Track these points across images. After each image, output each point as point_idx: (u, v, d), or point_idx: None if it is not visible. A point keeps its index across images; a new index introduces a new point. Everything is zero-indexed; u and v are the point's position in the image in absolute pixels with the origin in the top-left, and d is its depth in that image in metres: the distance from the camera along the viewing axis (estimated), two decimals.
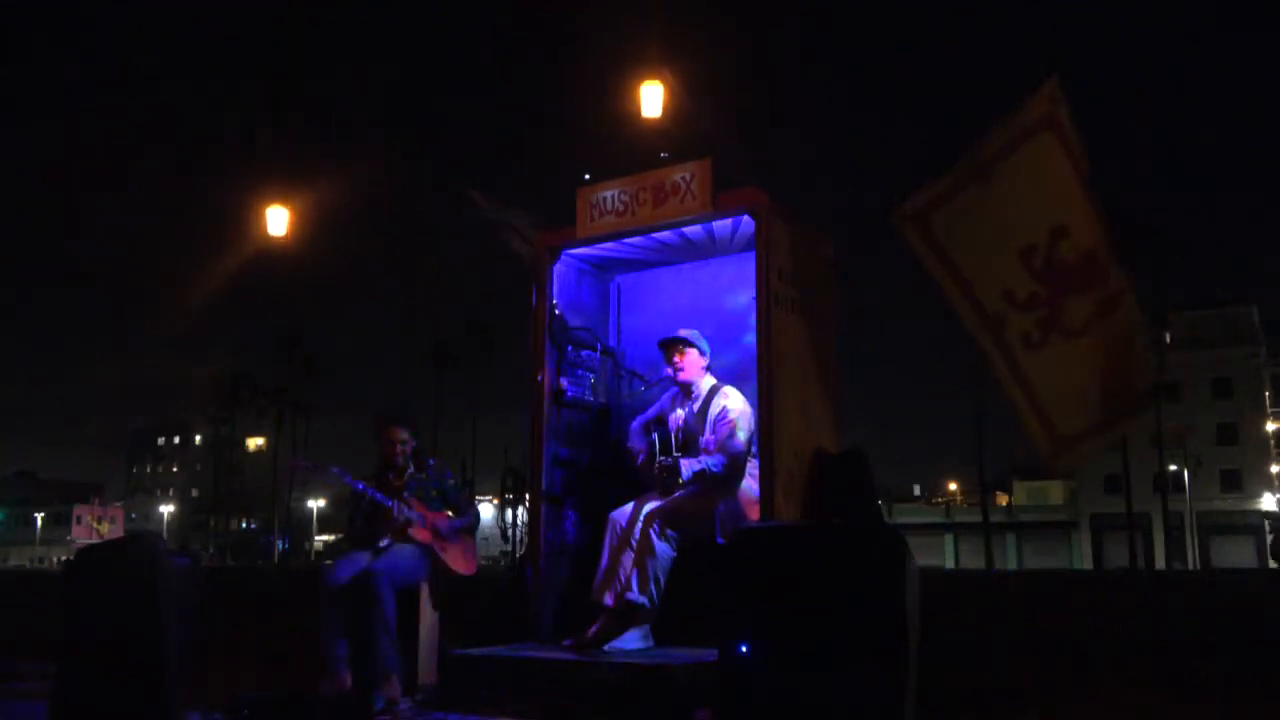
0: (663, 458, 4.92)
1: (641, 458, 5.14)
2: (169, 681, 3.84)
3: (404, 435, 5.21)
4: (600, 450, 5.63)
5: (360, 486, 5.05)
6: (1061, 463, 4.79)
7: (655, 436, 5.07)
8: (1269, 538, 49.94)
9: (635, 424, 5.36)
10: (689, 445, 5.03)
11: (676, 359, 5.11)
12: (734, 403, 4.97)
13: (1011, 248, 4.68)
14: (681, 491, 4.87)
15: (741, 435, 4.87)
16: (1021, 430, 4.70)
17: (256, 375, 72.09)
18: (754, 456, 4.85)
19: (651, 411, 5.35)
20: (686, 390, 5.16)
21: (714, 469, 4.82)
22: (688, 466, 4.82)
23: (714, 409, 5.00)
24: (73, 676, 4.02)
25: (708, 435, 4.99)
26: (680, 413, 5.16)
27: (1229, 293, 58.26)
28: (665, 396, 5.33)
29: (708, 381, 5.13)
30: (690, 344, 5.11)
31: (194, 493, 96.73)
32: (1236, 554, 49.18)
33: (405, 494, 5.14)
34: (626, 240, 5.46)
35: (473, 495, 6.81)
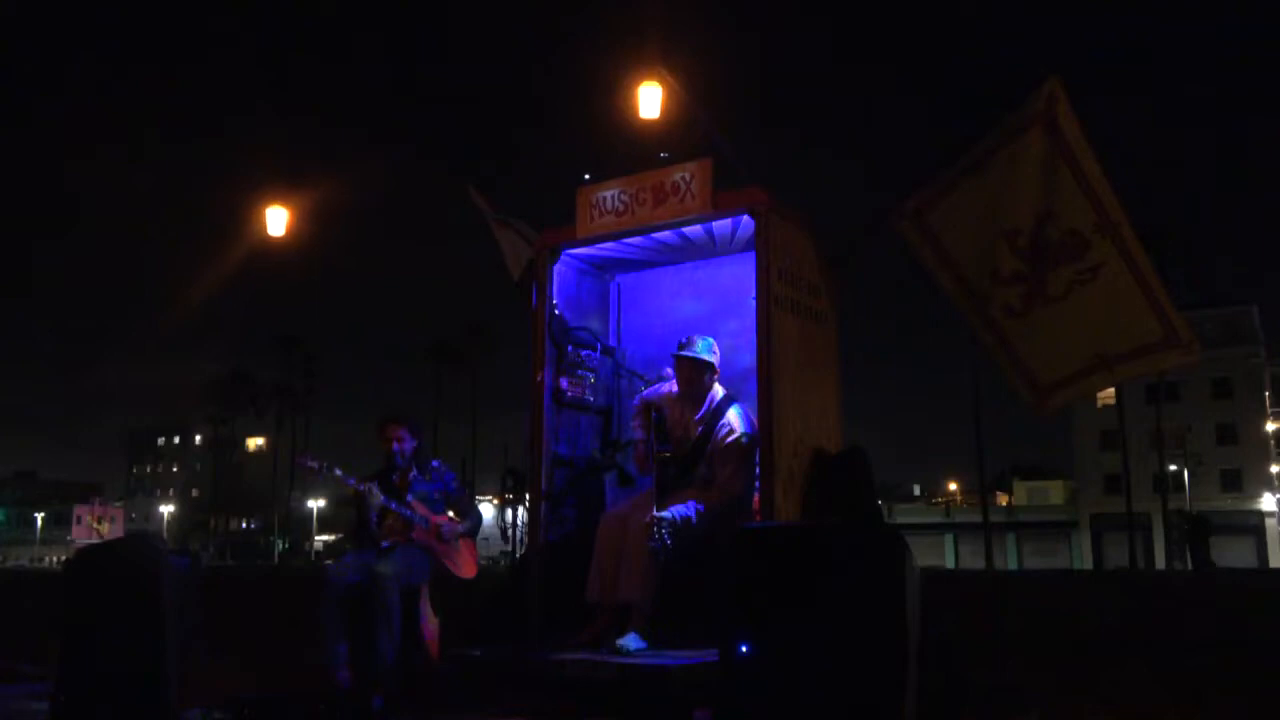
0: (656, 514, 4.65)
1: (641, 449, 5.05)
2: (169, 681, 3.84)
3: (401, 433, 5.23)
4: (600, 450, 5.62)
5: (363, 488, 5.05)
6: (1048, 407, 4.98)
7: (654, 439, 4.98)
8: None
9: (637, 400, 5.29)
10: (685, 452, 4.96)
11: (683, 376, 4.97)
12: (741, 434, 4.79)
13: (998, 232, 4.80)
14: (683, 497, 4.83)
15: (744, 476, 4.75)
16: (1009, 388, 5.02)
17: (256, 375, 72.32)
18: (756, 490, 4.70)
19: (661, 388, 5.23)
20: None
21: (694, 522, 4.65)
22: (679, 518, 4.64)
23: (719, 432, 4.85)
24: (73, 676, 4.02)
25: (703, 470, 4.89)
26: (684, 415, 5.04)
27: (1229, 293, 58.34)
28: (674, 382, 5.17)
29: (717, 391, 5.02)
30: (705, 366, 4.94)
31: (194, 493, 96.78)
32: (1237, 554, 49.13)
33: (408, 496, 5.15)
34: (626, 240, 5.45)
35: (473, 495, 6.82)
